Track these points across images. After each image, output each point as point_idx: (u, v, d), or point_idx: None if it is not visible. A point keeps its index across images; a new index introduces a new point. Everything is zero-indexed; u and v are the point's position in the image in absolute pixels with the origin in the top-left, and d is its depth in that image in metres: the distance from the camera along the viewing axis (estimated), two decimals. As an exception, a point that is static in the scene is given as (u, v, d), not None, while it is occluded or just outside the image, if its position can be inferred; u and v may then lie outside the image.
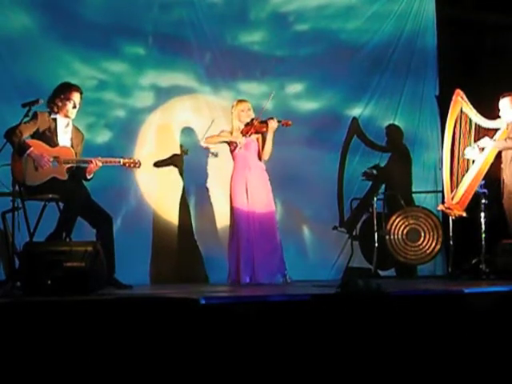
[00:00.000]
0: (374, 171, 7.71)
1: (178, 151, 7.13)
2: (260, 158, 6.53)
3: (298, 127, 6.70)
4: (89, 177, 5.74)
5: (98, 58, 6.95)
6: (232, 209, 6.46)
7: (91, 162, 5.67)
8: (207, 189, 7.16)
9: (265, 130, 6.45)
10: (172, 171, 7.10)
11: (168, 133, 7.18)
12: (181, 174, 7.10)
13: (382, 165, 7.79)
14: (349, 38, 7.82)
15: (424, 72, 7.97)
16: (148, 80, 7.15)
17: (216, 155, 6.84)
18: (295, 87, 7.65)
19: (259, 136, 6.52)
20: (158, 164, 7.00)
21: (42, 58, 6.66)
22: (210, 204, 7.16)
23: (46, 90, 5.91)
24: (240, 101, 6.61)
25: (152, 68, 7.16)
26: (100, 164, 5.70)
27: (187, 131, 7.20)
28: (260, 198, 6.46)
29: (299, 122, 7.02)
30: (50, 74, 6.51)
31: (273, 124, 6.40)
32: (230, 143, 6.51)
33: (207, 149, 6.85)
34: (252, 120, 6.45)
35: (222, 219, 6.98)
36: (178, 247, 7.07)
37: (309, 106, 7.70)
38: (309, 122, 7.51)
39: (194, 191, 7.19)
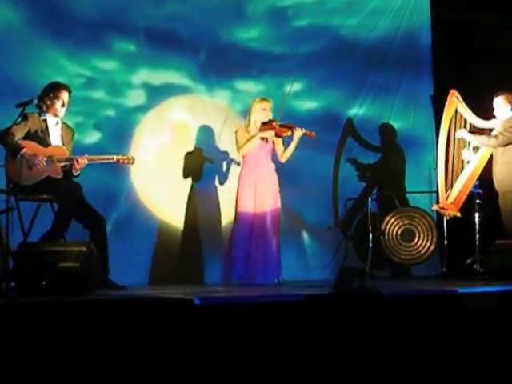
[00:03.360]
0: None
1: (175, 152, 7.02)
2: (272, 158, 6.51)
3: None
4: (75, 173, 5.70)
5: (87, 55, 6.73)
6: (237, 212, 6.40)
7: (83, 159, 5.65)
8: (207, 189, 7.07)
9: (284, 134, 6.44)
10: (169, 171, 7.00)
11: (163, 133, 7.05)
12: (185, 175, 7.00)
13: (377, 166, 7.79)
14: (347, 34, 7.74)
15: (419, 72, 7.93)
16: (139, 78, 6.97)
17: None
18: (293, 86, 7.56)
19: (275, 138, 6.46)
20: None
21: (28, 55, 6.44)
22: (209, 204, 7.06)
23: (34, 87, 5.85)
24: (263, 99, 6.49)
25: (144, 66, 6.97)
26: (86, 161, 5.66)
27: (184, 131, 7.10)
28: (267, 199, 6.42)
29: (298, 123, 6.88)
30: (36, 72, 6.37)
31: (299, 132, 6.39)
32: (262, 139, 6.42)
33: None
34: (270, 121, 6.41)
35: (221, 219, 6.96)
36: (176, 248, 6.98)
37: (307, 105, 7.62)
38: (307, 123, 7.39)
39: (194, 191, 7.07)
